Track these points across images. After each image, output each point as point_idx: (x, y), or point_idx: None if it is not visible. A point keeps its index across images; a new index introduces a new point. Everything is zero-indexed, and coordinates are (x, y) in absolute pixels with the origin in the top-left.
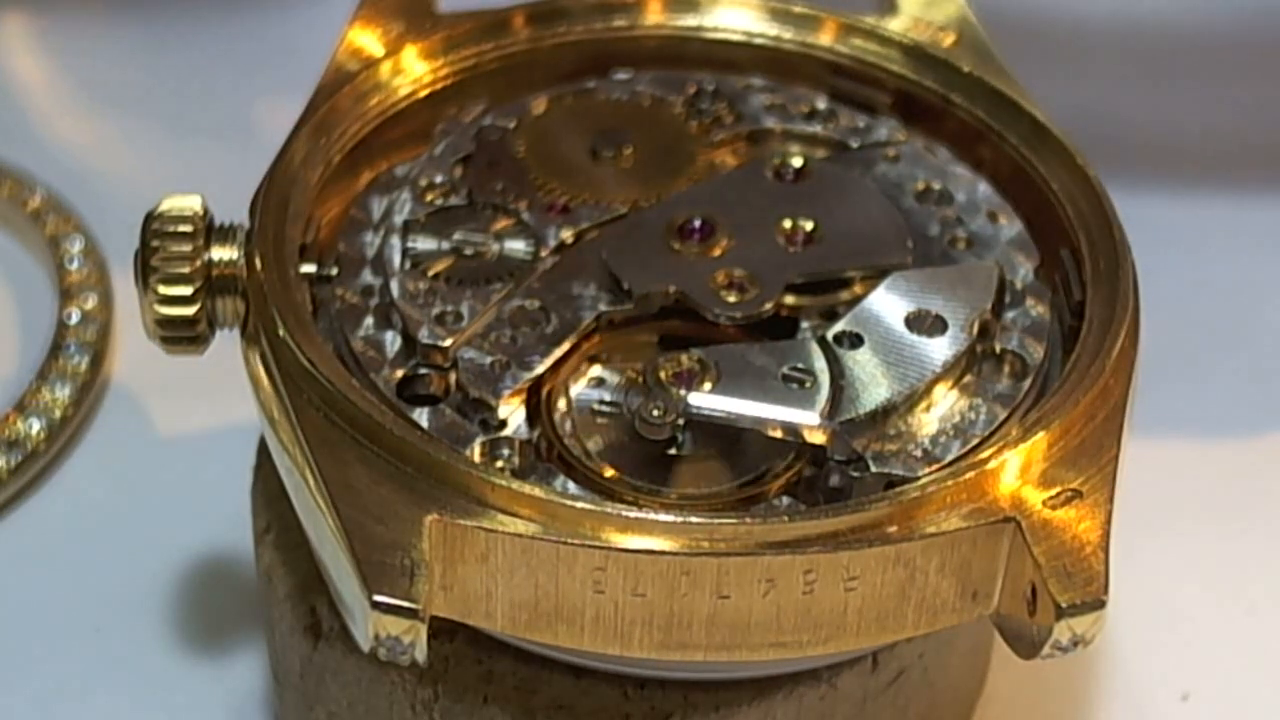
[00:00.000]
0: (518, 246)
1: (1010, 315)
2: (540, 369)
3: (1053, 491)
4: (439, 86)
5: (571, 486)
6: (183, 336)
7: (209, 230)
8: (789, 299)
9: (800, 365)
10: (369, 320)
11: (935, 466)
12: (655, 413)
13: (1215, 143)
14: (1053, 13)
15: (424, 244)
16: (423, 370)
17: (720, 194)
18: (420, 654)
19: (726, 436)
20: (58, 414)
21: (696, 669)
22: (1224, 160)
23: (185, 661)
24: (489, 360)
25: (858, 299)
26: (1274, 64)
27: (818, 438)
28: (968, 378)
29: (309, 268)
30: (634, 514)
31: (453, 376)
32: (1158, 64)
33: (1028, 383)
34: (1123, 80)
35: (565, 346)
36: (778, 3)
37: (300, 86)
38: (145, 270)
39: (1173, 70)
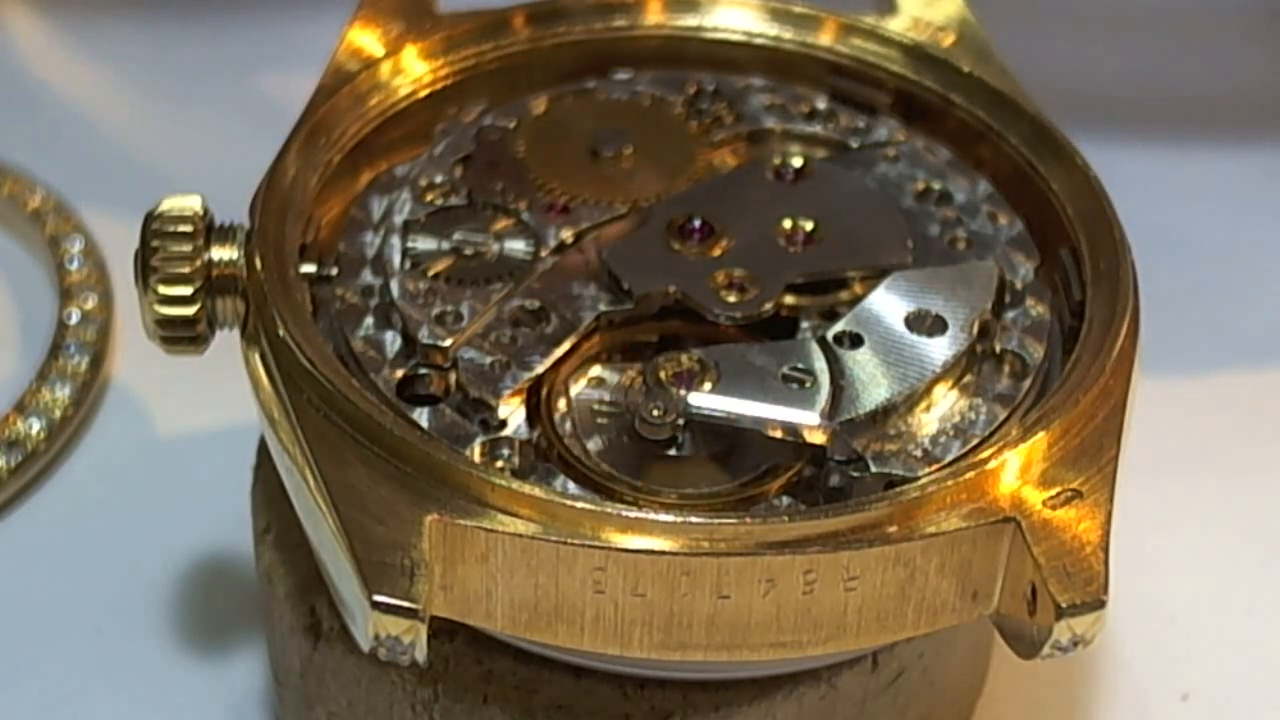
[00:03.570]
0: (518, 246)
1: (1010, 315)
2: (540, 369)
3: (1053, 491)
4: (439, 86)
5: (571, 486)
6: (183, 336)
7: (209, 230)
8: (789, 299)
9: (800, 365)
10: (369, 320)
11: (935, 466)
12: (655, 413)
13: (1192, 98)
14: None
15: (424, 244)
16: (423, 370)
17: (720, 194)
18: (420, 654)
19: (726, 436)
20: (58, 414)
21: (696, 669)
22: (1200, 115)
23: (185, 661)
24: (489, 360)
25: (858, 299)
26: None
27: (818, 438)
28: (968, 378)
29: (309, 268)
30: (634, 514)
31: (453, 376)
32: (1136, 21)
33: (1028, 383)
34: (1099, 38)
35: (565, 346)
36: (778, 3)
37: (300, 86)
38: (145, 270)
39: (1149, 27)
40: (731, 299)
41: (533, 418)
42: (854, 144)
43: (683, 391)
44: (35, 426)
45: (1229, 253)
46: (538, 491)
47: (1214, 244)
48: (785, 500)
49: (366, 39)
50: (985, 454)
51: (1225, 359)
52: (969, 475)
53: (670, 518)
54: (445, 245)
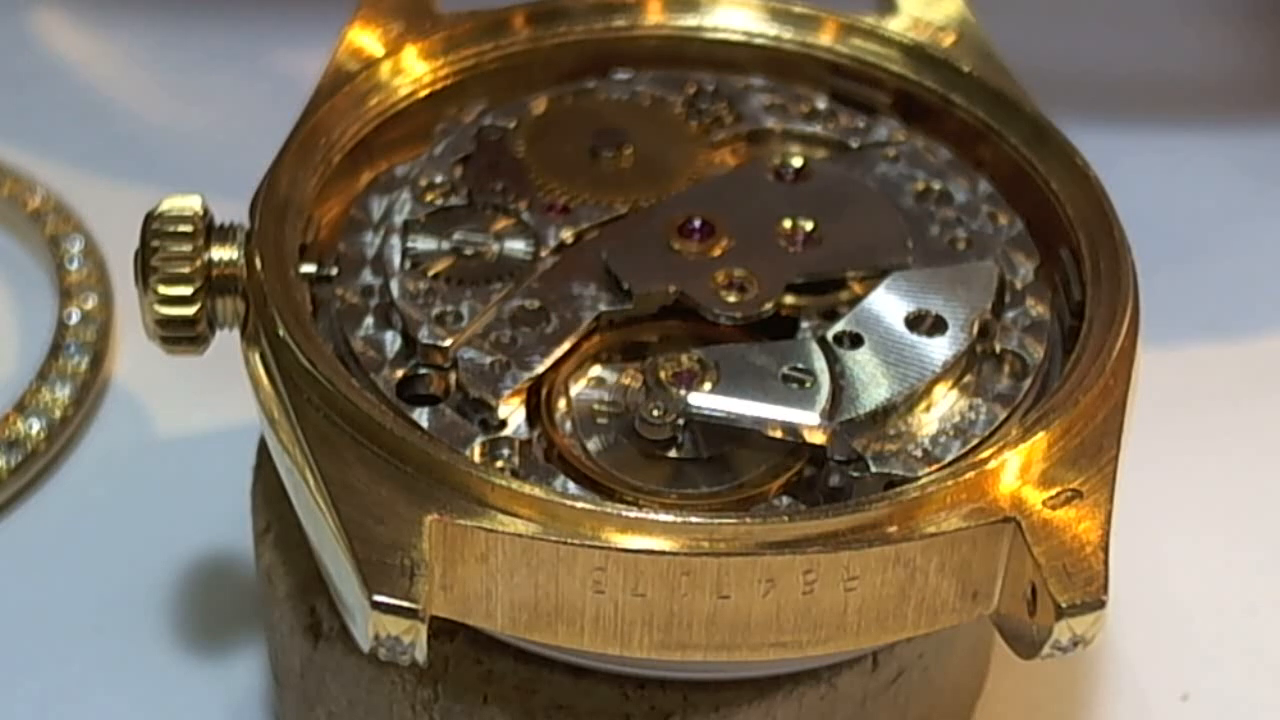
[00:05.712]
0: (518, 246)
1: (1010, 315)
2: (540, 369)
3: (1053, 491)
4: (439, 86)
5: (571, 486)
6: (183, 336)
7: (209, 230)
8: (789, 299)
9: (800, 365)
10: (369, 320)
11: (935, 466)
12: (655, 413)
13: (1172, 80)
14: None
15: (424, 244)
16: (423, 370)
17: (720, 194)
18: (420, 654)
19: (726, 436)
20: (58, 414)
21: (696, 669)
22: (1184, 96)
23: (185, 661)
24: (489, 360)
25: (858, 299)
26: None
27: (818, 438)
28: (968, 378)
29: (309, 268)
30: (634, 514)
31: (453, 376)
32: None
33: (1028, 383)
34: (1083, 20)
35: (565, 346)
36: (778, 3)
37: (302, 85)
38: (145, 270)
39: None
40: (731, 299)
41: (533, 418)
42: (854, 144)
43: (683, 391)
44: (35, 426)
45: (1222, 238)
46: (538, 491)
47: (1206, 228)
48: (785, 500)
49: (366, 39)
50: (985, 454)
51: (1226, 358)
52: (969, 475)
53: (670, 518)
54: (445, 245)
